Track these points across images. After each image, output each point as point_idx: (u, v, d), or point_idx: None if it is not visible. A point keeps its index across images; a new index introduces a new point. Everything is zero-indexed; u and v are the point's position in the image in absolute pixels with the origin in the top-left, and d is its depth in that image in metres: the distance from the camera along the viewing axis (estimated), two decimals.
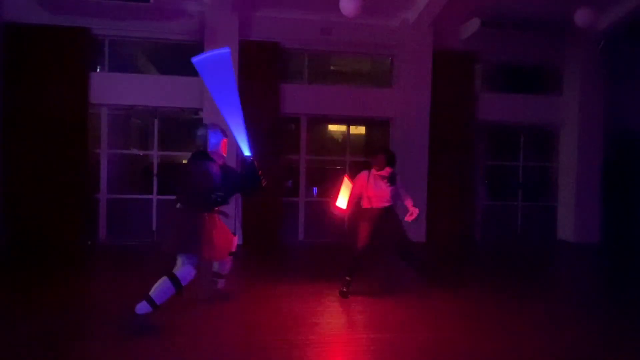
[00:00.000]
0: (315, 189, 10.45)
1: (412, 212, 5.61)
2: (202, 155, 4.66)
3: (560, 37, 10.00)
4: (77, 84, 8.78)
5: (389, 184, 5.59)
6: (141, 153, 10.16)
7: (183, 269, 4.41)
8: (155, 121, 9.41)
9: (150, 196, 9.37)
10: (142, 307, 4.25)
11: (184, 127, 10.22)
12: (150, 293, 4.27)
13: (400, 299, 5.64)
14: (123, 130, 10.15)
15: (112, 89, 9.05)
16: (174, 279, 4.33)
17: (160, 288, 4.30)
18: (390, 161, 5.65)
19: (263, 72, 9.31)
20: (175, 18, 9.06)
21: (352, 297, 5.60)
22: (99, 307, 5.16)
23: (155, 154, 9.43)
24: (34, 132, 8.57)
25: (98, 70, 9.32)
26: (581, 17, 8.41)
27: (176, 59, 9.75)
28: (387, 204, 5.65)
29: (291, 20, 9.42)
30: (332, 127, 11.49)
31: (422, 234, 9.53)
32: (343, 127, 10.59)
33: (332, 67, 10.90)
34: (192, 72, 9.25)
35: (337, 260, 8.05)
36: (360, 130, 11.21)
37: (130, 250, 8.53)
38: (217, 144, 4.69)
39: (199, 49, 9.13)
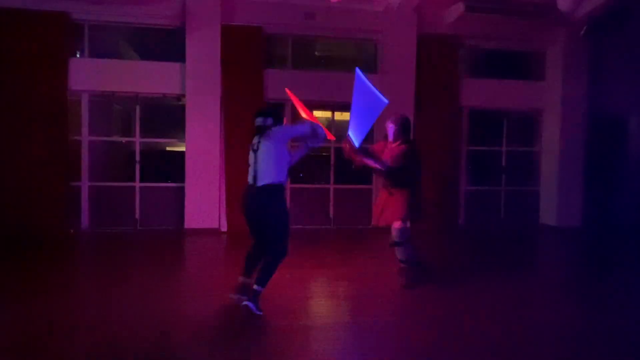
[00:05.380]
0: (300, 175, 10.41)
1: None
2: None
3: (543, 22, 10.01)
4: (56, 70, 8.59)
5: None
6: (123, 140, 10.04)
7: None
8: (137, 107, 9.29)
9: (132, 184, 9.29)
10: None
11: (165, 113, 10.12)
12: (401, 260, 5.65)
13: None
14: (104, 117, 10.00)
15: (92, 75, 8.88)
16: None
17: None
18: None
19: (246, 57, 9.21)
20: (157, 2, 8.90)
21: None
22: (83, 295, 5.11)
23: (137, 141, 9.32)
24: (12, 119, 8.39)
25: (78, 55, 9.13)
26: (564, 1, 8.45)
27: (157, 44, 9.61)
28: None
29: (274, 4, 9.30)
30: (317, 113, 11.44)
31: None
32: (328, 113, 10.55)
33: (316, 53, 10.80)
34: (173, 57, 9.29)
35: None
36: (345, 116, 11.16)
37: (113, 238, 8.47)
38: None
39: (180, 33, 9.04)
